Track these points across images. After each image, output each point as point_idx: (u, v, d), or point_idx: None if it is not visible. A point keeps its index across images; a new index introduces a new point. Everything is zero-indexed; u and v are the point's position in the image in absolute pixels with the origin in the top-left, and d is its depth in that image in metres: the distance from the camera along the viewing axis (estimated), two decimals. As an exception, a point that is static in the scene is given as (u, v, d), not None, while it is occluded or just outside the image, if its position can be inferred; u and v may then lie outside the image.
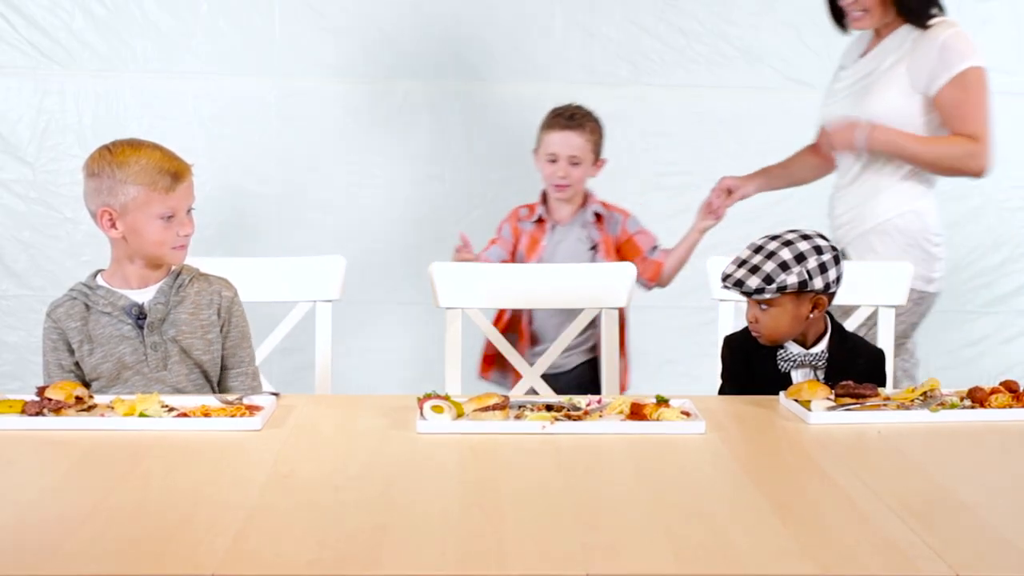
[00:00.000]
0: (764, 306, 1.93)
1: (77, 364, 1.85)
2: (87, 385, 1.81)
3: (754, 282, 1.90)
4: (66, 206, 3.39)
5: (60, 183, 3.39)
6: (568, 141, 2.54)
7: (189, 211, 1.86)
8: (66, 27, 3.33)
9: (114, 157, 1.79)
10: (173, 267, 1.90)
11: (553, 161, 2.55)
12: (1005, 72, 3.56)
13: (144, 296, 1.86)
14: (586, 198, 2.63)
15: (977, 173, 2.38)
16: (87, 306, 1.84)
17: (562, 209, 2.61)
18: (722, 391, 2.09)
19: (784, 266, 1.90)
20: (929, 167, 2.37)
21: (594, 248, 2.58)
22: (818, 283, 1.91)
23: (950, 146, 2.34)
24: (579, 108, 2.60)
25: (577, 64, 3.45)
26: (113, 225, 1.80)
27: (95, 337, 1.83)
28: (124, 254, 1.85)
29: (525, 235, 2.61)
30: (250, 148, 3.40)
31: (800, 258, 1.91)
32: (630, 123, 3.53)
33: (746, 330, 2.04)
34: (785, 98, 3.54)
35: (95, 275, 1.88)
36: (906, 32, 2.38)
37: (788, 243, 1.93)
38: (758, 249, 1.94)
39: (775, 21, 3.51)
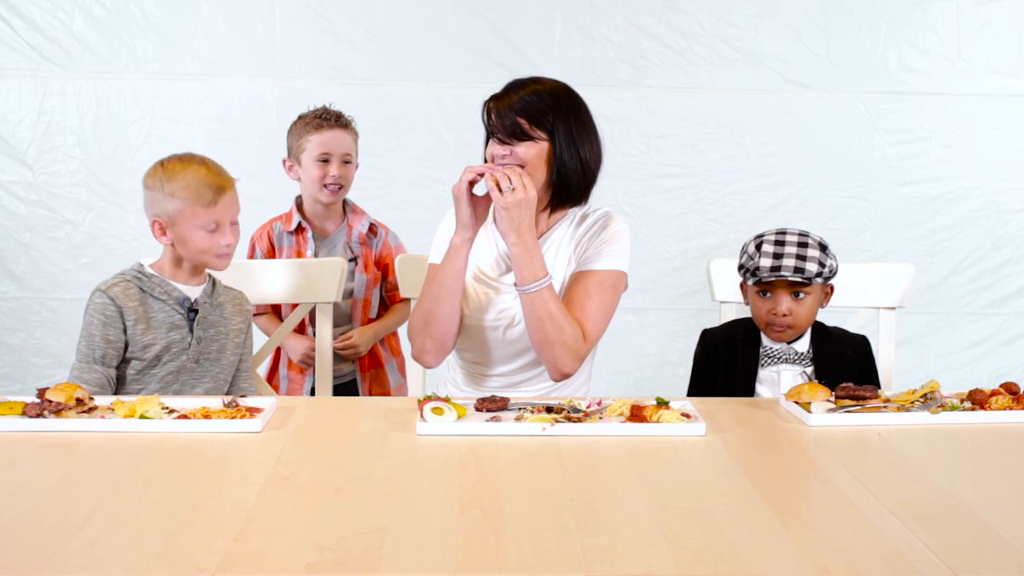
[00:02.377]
0: (802, 295, 1.93)
1: (125, 343, 1.94)
2: (124, 363, 1.95)
3: (813, 267, 1.91)
4: (66, 208, 3.40)
5: (60, 185, 3.39)
6: (341, 140, 2.46)
7: (233, 223, 1.97)
8: (66, 29, 3.33)
9: (164, 172, 1.93)
10: (209, 274, 2.04)
11: (325, 161, 2.45)
12: (1005, 74, 3.57)
13: (192, 293, 1.98)
14: (345, 208, 2.56)
15: (562, 370, 1.95)
16: (141, 289, 1.95)
17: (327, 222, 2.53)
18: (692, 389, 2.08)
19: (824, 251, 1.94)
20: (535, 316, 1.92)
21: (353, 260, 2.51)
22: (835, 273, 1.97)
23: (570, 323, 1.93)
24: (336, 110, 2.50)
25: (577, 66, 3.46)
26: (164, 233, 1.94)
27: (150, 319, 1.94)
28: (173, 257, 1.98)
29: (286, 249, 2.50)
30: (250, 150, 3.40)
31: (824, 248, 1.95)
32: (630, 125, 3.53)
33: (726, 326, 2.05)
34: (785, 100, 3.55)
35: (140, 265, 1.99)
36: (573, 211, 2.08)
37: (804, 234, 1.96)
38: (786, 242, 1.95)
39: (775, 23, 3.51)
